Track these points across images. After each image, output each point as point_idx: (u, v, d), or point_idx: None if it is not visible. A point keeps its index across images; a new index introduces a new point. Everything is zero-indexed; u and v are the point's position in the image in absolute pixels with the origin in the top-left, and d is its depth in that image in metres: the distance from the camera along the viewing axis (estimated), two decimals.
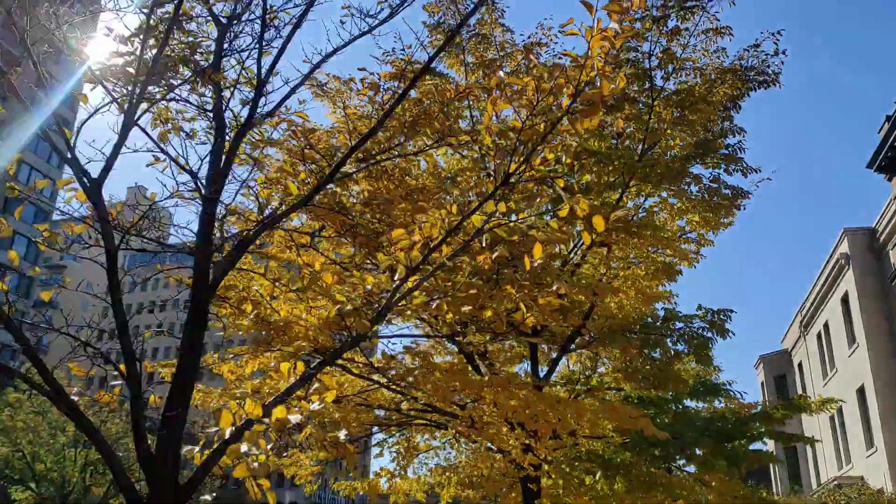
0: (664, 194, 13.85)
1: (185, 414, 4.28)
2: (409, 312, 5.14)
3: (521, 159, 5.25)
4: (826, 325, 34.06)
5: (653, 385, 13.78)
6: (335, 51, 5.60)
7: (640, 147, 13.73)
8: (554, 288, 5.32)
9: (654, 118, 13.70)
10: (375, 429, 15.16)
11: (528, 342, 14.90)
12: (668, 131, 13.52)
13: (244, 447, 3.55)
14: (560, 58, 13.32)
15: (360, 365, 13.90)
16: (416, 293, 5.27)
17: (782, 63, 13.68)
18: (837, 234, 31.29)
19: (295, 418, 3.49)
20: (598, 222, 5.65)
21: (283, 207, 5.20)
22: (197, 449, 4.08)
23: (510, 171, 4.95)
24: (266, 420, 3.79)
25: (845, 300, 31.33)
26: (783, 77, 13.86)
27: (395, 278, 4.92)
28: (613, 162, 13.31)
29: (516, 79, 4.83)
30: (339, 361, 13.80)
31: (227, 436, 3.72)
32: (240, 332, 10.02)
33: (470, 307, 5.36)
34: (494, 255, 5.57)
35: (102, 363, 4.36)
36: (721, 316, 12.84)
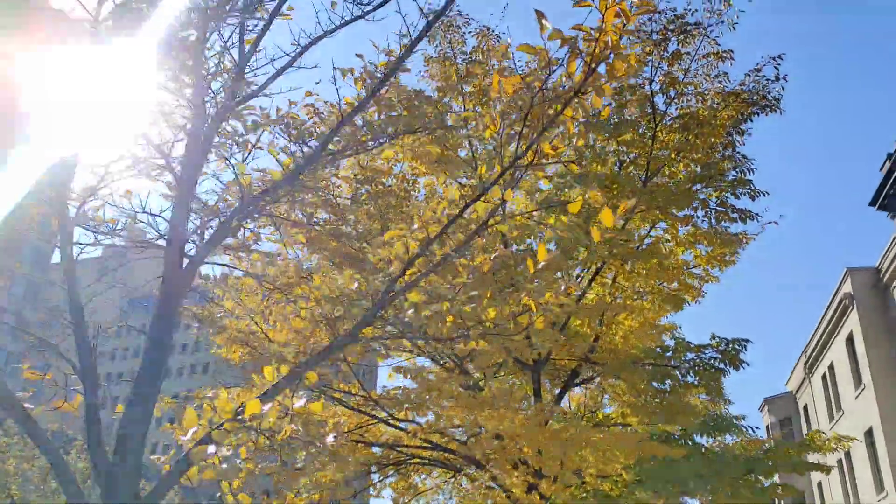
0: (670, 221, 13.40)
1: (149, 417, 3.70)
2: (406, 315, 4.60)
3: (527, 145, 4.79)
4: (831, 367, 33.31)
5: (663, 419, 13.15)
6: (325, 34, 5.18)
7: (644, 175, 13.32)
8: (563, 288, 4.79)
9: (657, 144, 13.32)
10: (373, 468, 14.48)
11: (532, 377, 14.30)
12: (672, 156, 13.13)
13: (212, 448, 3.00)
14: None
15: (359, 398, 13.29)
16: (412, 293, 4.76)
17: (783, 89, 13.35)
18: (840, 273, 30.78)
19: (268, 407, 2.94)
20: (607, 216, 5.17)
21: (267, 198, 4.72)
22: (163, 458, 3.52)
23: (518, 153, 4.47)
24: (240, 418, 3.25)
25: (850, 340, 30.64)
26: (785, 104, 13.54)
27: (390, 270, 4.40)
28: (615, 186, 12.90)
29: (527, 47, 4.38)
30: (336, 395, 13.20)
31: (189, 438, 3.17)
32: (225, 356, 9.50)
33: (473, 305, 4.83)
34: (493, 256, 5.07)
35: (56, 359, 3.81)
36: (735, 346, 12.22)
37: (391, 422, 12.66)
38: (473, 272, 4.89)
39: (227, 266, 4.87)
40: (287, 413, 3.45)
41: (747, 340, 12.27)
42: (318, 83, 5.51)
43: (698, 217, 13.44)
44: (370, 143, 4.99)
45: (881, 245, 28.21)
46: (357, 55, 5.52)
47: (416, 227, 4.29)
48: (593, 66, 4.60)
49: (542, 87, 4.28)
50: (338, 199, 13.02)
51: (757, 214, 12.78)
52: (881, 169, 26.25)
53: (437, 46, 14.21)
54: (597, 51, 4.56)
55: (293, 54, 5.04)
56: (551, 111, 4.56)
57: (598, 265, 13.90)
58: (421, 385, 11.97)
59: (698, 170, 12.84)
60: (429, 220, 4.62)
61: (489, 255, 4.89)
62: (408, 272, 4.38)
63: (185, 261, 4.13)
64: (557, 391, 15.79)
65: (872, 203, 27.02)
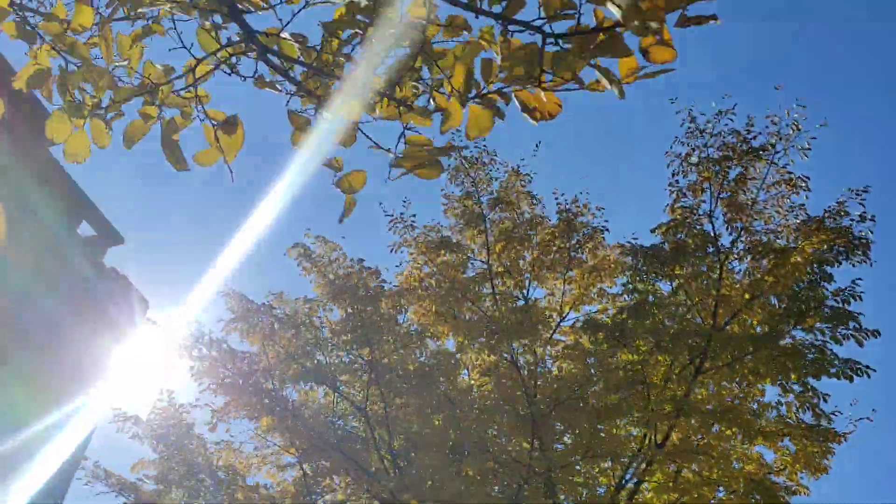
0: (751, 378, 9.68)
1: None
2: None
3: None
4: None
5: None
6: None
7: (712, 322, 9.94)
8: None
9: (725, 288, 10.14)
10: None
11: None
12: (746, 296, 9.83)
13: None
14: None
15: None
16: None
17: (871, 232, 10.36)
18: None
19: None
20: None
21: None
22: None
23: None
24: None
25: None
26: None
27: None
28: (669, 340, 9.52)
29: None
30: None
31: None
32: None
33: None
34: None
35: None
36: None
37: None
38: None
39: None
40: None
41: None
42: None
43: (786, 382, 9.79)
44: None
45: None
46: None
47: None
48: None
49: None
50: None
51: (869, 367, 9.08)
52: None
53: (460, 184, 11.83)
54: None
55: None
56: None
57: (654, 450, 9.99)
58: None
59: (783, 306, 9.49)
60: None
61: None
62: None
63: None
64: None
65: None
